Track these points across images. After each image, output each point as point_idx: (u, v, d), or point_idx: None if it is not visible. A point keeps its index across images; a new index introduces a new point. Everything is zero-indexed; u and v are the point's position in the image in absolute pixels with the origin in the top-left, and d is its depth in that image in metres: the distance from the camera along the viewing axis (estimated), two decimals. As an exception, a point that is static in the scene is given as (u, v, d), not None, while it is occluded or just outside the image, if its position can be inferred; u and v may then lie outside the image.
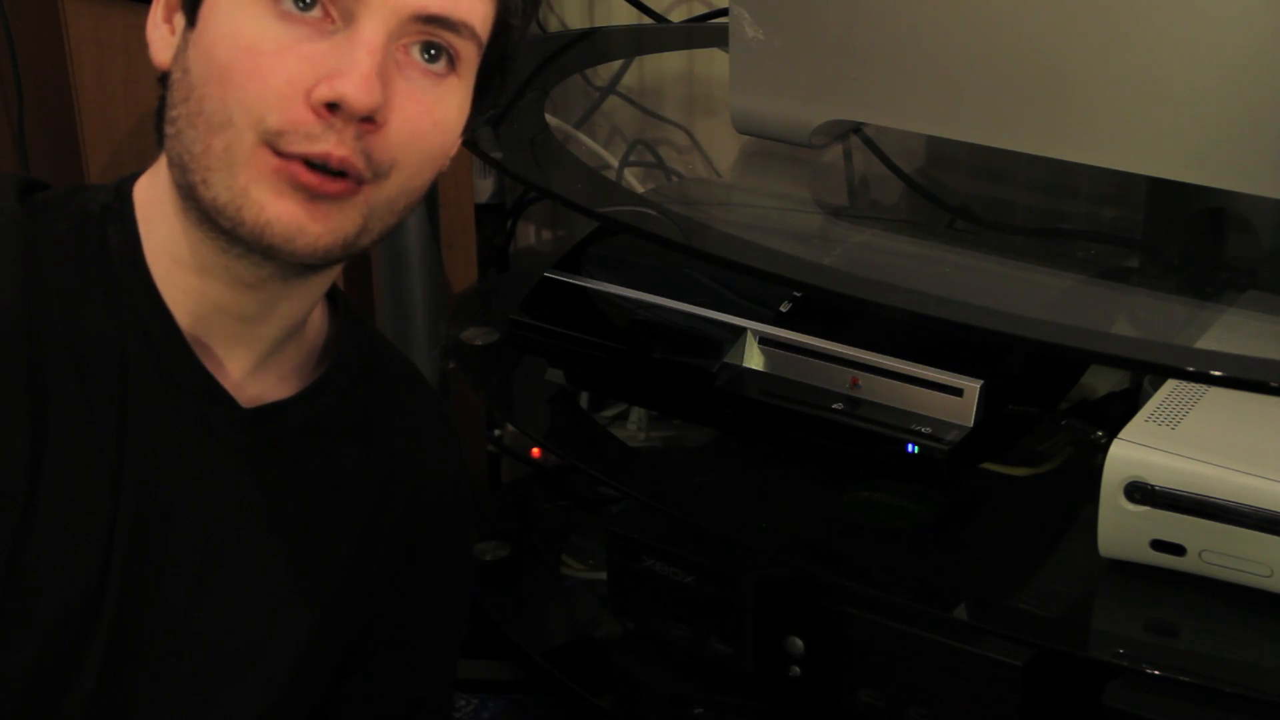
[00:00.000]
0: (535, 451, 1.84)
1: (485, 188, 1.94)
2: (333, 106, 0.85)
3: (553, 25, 1.90)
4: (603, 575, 1.53)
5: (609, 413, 1.63)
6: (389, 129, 0.88)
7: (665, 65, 1.72)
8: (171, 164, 0.91)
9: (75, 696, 0.92)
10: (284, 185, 0.87)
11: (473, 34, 0.90)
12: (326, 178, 0.87)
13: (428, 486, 1.08)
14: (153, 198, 0.93)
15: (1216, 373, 0.99)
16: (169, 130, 0.90)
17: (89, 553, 0.91)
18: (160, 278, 0.93)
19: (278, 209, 0.87)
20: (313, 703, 1.05)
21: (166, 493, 0.93)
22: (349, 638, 1.06)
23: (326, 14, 0.86)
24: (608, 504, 1.68)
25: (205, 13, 0.88)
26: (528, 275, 1.51)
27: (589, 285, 1.38)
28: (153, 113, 0.93)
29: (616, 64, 1.68)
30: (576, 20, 1.90)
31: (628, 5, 1.78)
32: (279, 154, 0.86)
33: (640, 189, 1.46)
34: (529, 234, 2.02)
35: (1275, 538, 1.07)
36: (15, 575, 0.88)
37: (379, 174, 0.89)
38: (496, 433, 1.87)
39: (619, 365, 1.33)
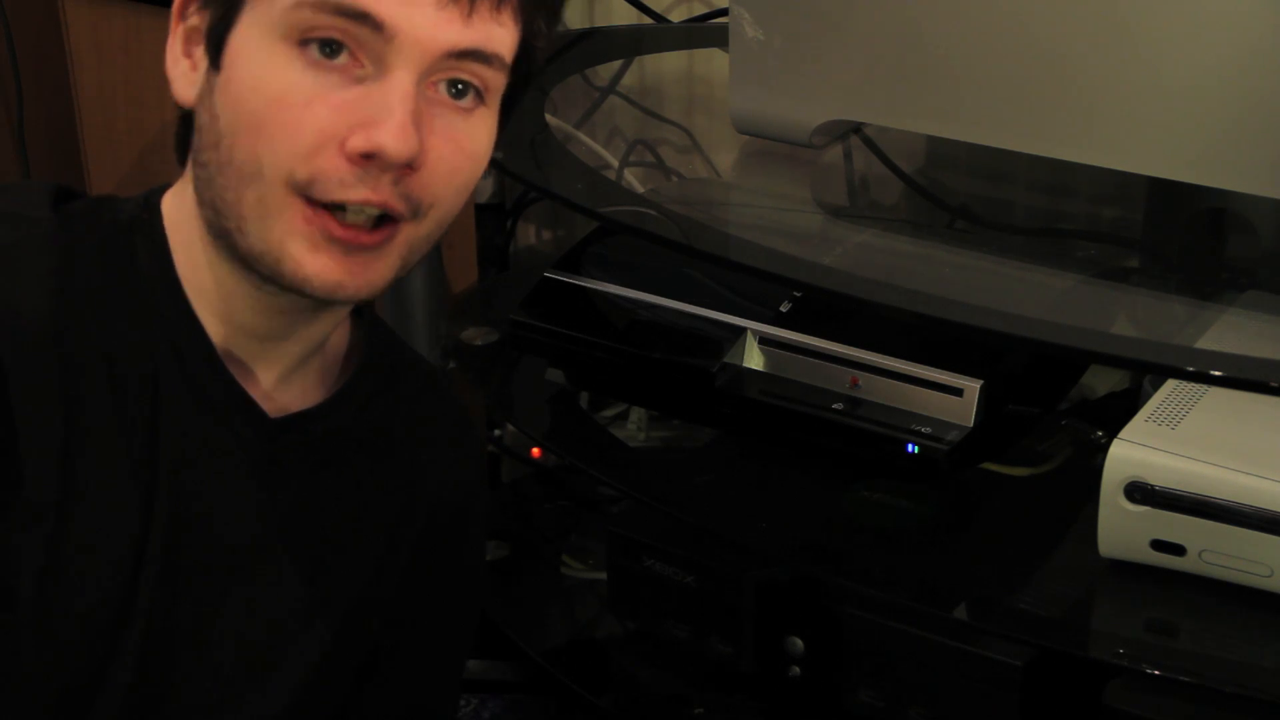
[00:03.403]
0: (535, 451, 1.84)
1: (485, 188, 1.94)
2: (368, 155, 0.84)
3: (553, 25, 1.90)
4: (603, 575, 1.53)
5: (609, 413, 1.63)
6: (425, 169, 0.87)
7: (665, 65, 1.72)
8: (202, 203, 0.90)
9: (107, 701, 0.93)
10: (318, 239, 0.86)
11: (502, 64, 0.89)
12: (362, 231, 0.86)
13: (448, 495, 1.09)
14: (180, 218, 0.93)
15: (1216, 373, 0.99)
16: (199, 173, 0.90)
17: (121, 561, 0.91)
18: (190, 293, 0.93)
19: (315, 265, 0.87)
20: (335, 705, 1.06)
21: (197, 502, 0.94)
22: (369, 642, 1.07)
23: (355, 59, 0.85)
24: (608, 504, 1.68)
25: (230, 58, 0.87)
26: (528, 275, 1.51)
27: (589, 285, 1.38)
28: (174, 124, 0.93)
29: (616, 64, 1.68)
30: (576, 20, 1.90)
31: (628, 5, 1.78)
32: (311, 203, 0.86)
33: (640, 189, 1.46)
34: (529, 234, 2.02)
35: (1275, 538, 1.07)
36: (49, 583, 0.88)
37: (418, 213, 0.88)
38: (496, 433, 1.87)
39: (619, 365, 1.33)
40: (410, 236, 0.89)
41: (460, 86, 0.88)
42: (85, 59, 1.83)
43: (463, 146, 0.89)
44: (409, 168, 0.86)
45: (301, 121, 0.84)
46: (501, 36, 0.88)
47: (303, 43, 0.85)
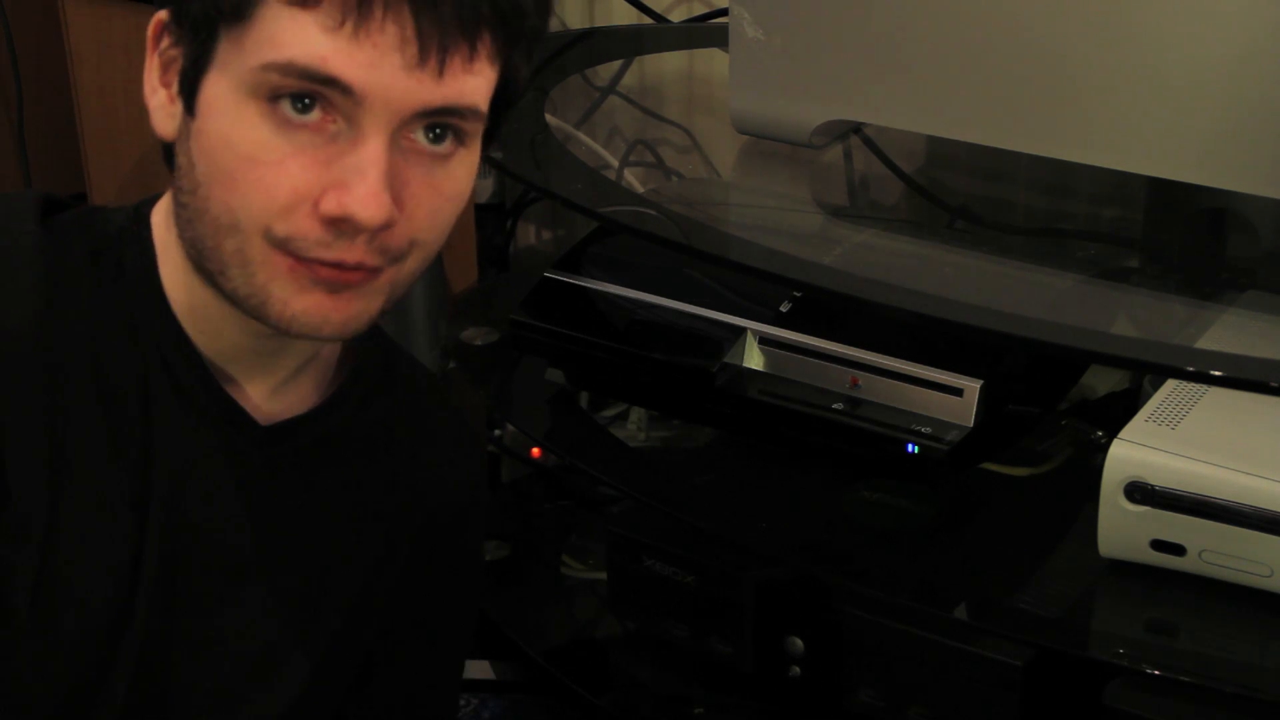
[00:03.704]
0: (535, 451, 1.84)
1: (485, 188, 1.94)
2: (340, 219, 0.83)
3: (553, 25, 1.90)
4: (603, 575, 1.53)
5: (609, 413, 1.63)
6: (405, 219, 0.86)
7: (665, 65, 1.72)
8: (184, 239, 0.90)
9: (106, 712, 0.93)
10: (304, 282, 0.85)
11: (478, 115, 0.87)
12: (346, 270, 0.85)
13: (447, 497, 1.08)
14: (169, 236, 0.93)
15: (1216, 373, 0.99)
16: (180, 212, 0.89)
17: (117, 573, 0.91)
18: (178, 308, 0.93)
19: (302, 303, 0.86)
20: (334, 707, 1.06)
21: (192, 513, 0.94)
22: (368, 645, 1.06)
23: (327, 114, 0.83)
24: (608, 504, 1.68)
25: (203, 107, 0.85)
26: (528, 275, 1.51)
27: (589, 285, 1.38)
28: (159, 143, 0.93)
29: (616, 64, 1.68)
30: (576, 20, 1.90)
31: (628, 5, 1.78)
32: (291, 255, 0.85)
33: (640, 189, 1.46)
34: (529, 234, 2.02)
35: (1275, 538, 1.07)
36: (44, 596, 0.88)
37: (398, 259, 0.87)
38: (496, 433, 1.87)
39: (619, 365, 1.33)
40: (393, 276, 0.88)
41: (438, 130, 0.86)
42: (85, 59, 1.83)
43: (441, 190, 0.87)
44: (381, 227, 0.85)
45: (275, 181, 0.83)
46: (476, 86, 0.86)
47: (274, 99, 0.83)
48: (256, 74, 0.83)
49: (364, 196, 0.83)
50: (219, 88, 0.84)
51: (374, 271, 0.87)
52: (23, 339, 0.88)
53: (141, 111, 0.90)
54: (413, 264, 0.89)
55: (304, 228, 0.84)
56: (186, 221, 0.88)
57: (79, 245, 0.92)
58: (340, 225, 0.84)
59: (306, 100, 0.83)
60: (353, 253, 0.85)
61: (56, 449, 0.88)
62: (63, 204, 0.95)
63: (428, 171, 0.86)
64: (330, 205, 0.83)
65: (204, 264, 0.88)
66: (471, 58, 0.84)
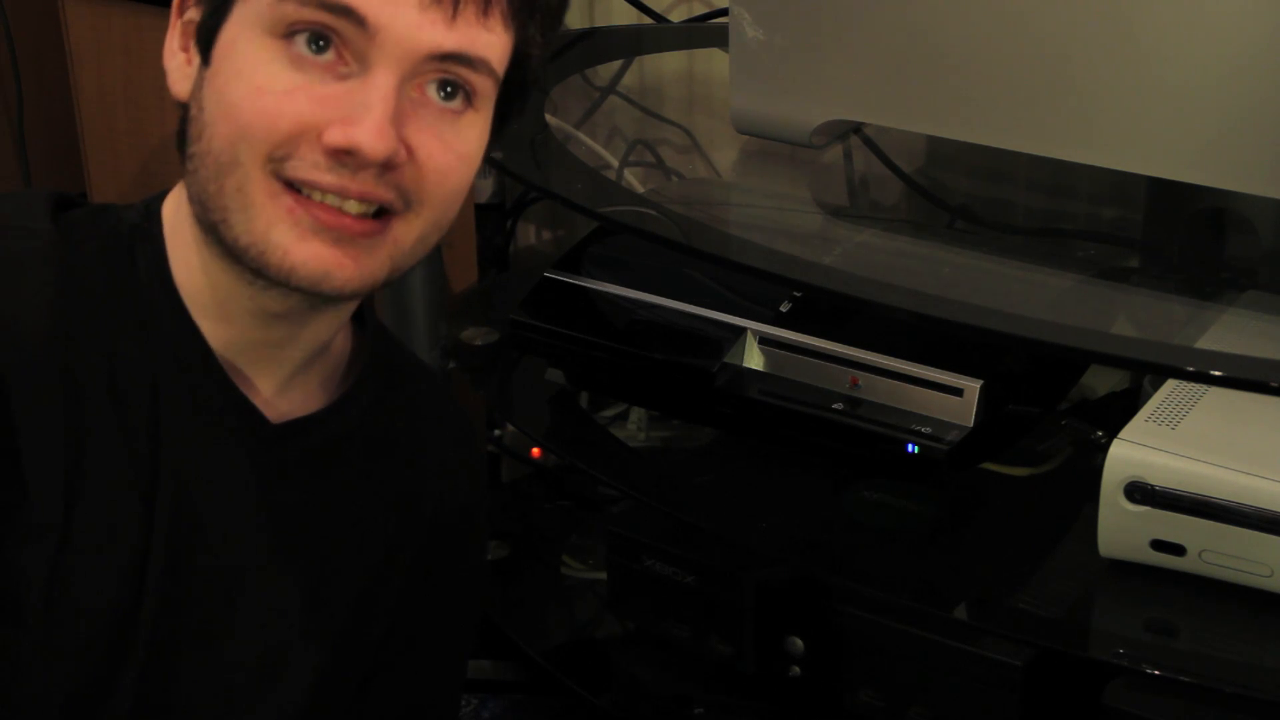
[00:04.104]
0: (535, 451, 1.84)
1: (485, 188, 1.94)
2: (344, 151, 0.84)
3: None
4: (603, 575, 1.53)
5: (609, 413, 1.63)
6: (414, 164, 0.86)
7: (665, 65, 1.72)
8: (191, 199, 0.90)
9: (113, 712, 0.92)
10: (305, 227, 0.86)
11: (490, 70, 0.88)
12: (352, 218, 0.86)
13: (452, 500, 1.08)
14: (178, 223, 0.93)
15: (1216, 373, 0.99)
16: (187, 166, 0.89)
17: (125, 572, 0.91)
18: (189, 300, 0.93)
19: (303, 253, 0.86)
20: (344, 709, 1.06)
21: (199, 510, 0.94)
22: (373, 647, 1.06)
23: (340, 57, 0.85)
24: (608, 504, 1.68)
25: (219, 53, 0.87)
26: (528, 275, 1.51)
27: (589, 285, 1.38)
28: (176, 124, 0.93)
29: (616, 64, 1.68)
30: (576, 20, 1.90)
31: (628, 5, 1.78)
32: (290, 186, 0.85)
33: (640, 189, 1.46)
34: (529, 234, 2.02)
35: (1275, 538, 1.07)
36: (55, 595, 0.88)
37: (410, 204, 0.87)
38: (496, 433, 1.87)
39: (619, 365, 1.33)
40: (401, 234, 0.88)
41: (449, 89, 0.87)
42: (85, 59, 1.82)
43: (451, 146, 0.88)
44: (387, 167, 0.85)
45: (280, 109, 0.84)
46: (489, 42, 0.87)
47: (290, 35, 0.85)
48: (274, 7, 0.84)
49: (370, 128, 0.84)
50: (237, 30, 0.86)
51: (381, 219, 0.87)
52: (40, 339, 0.88)
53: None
54: (419, 227, 0.89)
55: (305, 153, 0.84)
56: (192, 174, 0.89)
57: (91, 242, 0.93)
58: (343, 158, 0.84)
59: (321, 42, 0.84)
60: (355, 183, 0.85)
61: (71, 448, 0.88)
62: (73, 202, 0.95)
63: (436, 125, 0.87)
64: (334, 136, 0.84)
65: (208, 216, 0.88)
66: (486, 12, 0.86)
